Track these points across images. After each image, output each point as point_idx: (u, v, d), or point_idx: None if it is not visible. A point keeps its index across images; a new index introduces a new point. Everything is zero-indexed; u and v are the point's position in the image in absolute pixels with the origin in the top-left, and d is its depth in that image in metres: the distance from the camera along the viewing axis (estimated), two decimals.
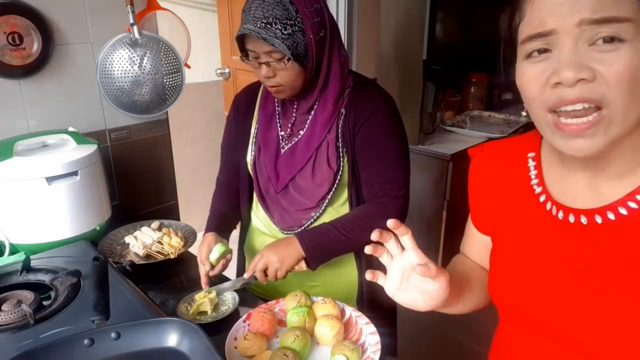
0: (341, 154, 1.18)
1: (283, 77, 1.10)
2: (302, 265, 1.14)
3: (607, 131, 0.56)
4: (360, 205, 1.22)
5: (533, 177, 0.73)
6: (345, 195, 1.23)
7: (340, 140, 1.18)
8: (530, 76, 0.59)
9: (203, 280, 1.15)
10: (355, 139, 1.17)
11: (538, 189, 0.72)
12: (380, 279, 0.73)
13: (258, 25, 1.03)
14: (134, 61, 1.49)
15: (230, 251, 1.20)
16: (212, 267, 1.15)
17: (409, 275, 0.72)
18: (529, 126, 0.72)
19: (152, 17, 1.59)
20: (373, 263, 1.24)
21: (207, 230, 1.24)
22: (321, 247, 1.15)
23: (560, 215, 0.67)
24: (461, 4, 2.94)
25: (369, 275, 0.73)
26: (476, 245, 0.87)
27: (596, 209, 0.64)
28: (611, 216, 0.63)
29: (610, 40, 0.53)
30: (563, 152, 0.60)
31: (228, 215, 1.34)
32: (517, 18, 0.61)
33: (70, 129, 1.42)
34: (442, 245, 2.48)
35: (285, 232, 1.27)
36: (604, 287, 0.62)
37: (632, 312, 0.59)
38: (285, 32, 1.04)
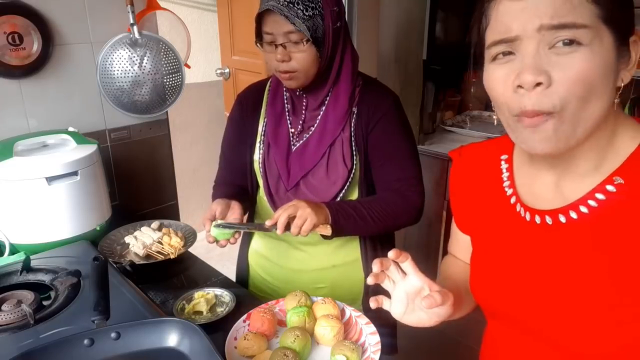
0: (354, 152, 1.19)
1: (299, 61, 1.08)
2: (327, 228, 1.08)
3: (557, 130, 0.58)
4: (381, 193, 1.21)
5: (505, 179, 0.75)
6: (355, 193, 1.23)
7: (353, 139, 1.18)
8: (496, 78, 0.62)
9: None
10: (369, 137, 1.18)
11: (509, 191, 0.74)
12: (386, 304, 0.75)
13: (281, 3, 1.03)
14: (134, 61, 1.49)
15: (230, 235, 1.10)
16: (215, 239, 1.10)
17: (414, 299, 0.73)
18: None
19: (152, 17, 1.59)
20: None
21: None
22: (346, 218, 1.11)
23: (528, 217, 0.69)
24: (461, 4, 2.93)
25: (373, 304, 0.74)
26: (461, 245, 0.89)
27: (559, 208, 0.66)
28: (573, 215, 0.64)
29: (570, 42, 0.55)
30: (529, 152, 0.63)
31: (234, 196, 1.22)
32: (484, 22, 0.63)
33: (70, 129, 1.42)
34: (442, 245, 2.48)
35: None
36: (572, 284, 0.64)
37: (596, 307, 0.61)
38: (307, 14, 1.04)
